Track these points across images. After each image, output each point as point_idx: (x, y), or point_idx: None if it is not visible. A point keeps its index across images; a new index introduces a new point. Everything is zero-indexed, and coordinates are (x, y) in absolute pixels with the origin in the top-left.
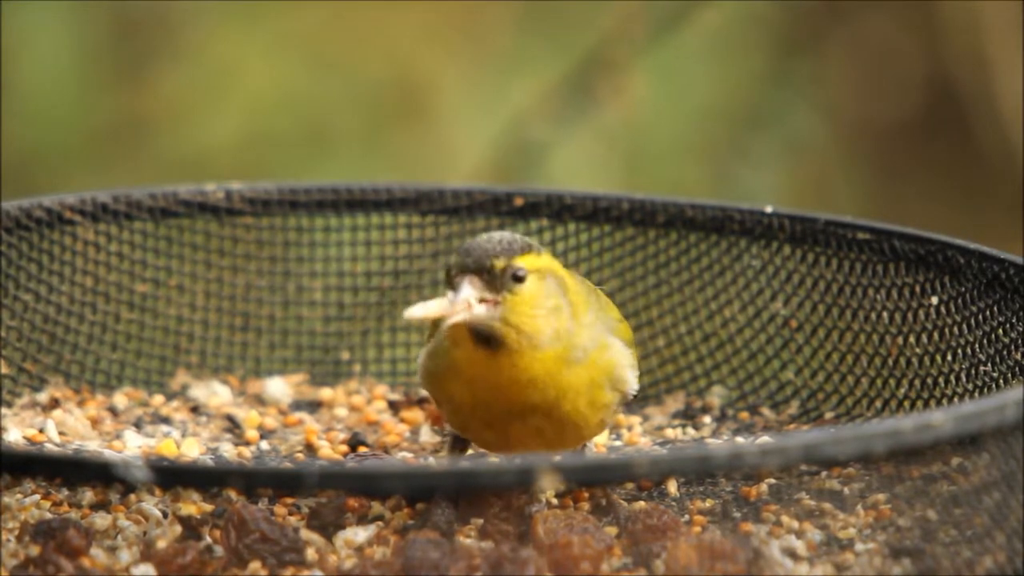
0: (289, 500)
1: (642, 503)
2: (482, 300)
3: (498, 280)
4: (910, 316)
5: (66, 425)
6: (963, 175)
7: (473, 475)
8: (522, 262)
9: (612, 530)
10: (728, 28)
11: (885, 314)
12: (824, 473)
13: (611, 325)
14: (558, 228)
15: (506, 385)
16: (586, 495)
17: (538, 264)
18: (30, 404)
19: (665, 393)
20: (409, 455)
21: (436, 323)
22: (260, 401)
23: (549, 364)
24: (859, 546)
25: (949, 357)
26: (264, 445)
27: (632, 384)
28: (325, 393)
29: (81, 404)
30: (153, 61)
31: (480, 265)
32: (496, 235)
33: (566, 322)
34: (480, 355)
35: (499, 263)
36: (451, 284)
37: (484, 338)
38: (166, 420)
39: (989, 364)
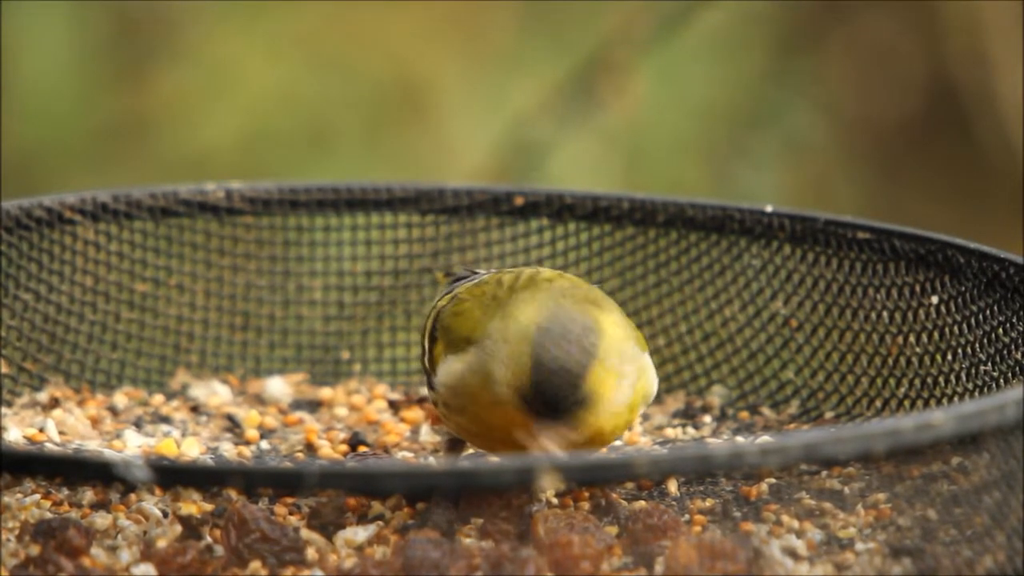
0: (289, 500)
1: (642, 503)
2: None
3: (565, 410)
4: (910, 315)
5: (66, 424)
6: (963, 175)
7: (473, 475)
8: (587, 388)
9: (612, 529)
10: (728, 28)
11: (885, 313)
12: (824, 472)
13: (638, 340)
14: (558, 228)
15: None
16: (586, 495)
17: (603, 370)
18: (30, 403)
19: (665, 393)
20: (409, 455)
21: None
22: (260, 400)
23: (610, 415)
24: (859, 545)
25: (949, 356)
26: (264, 445)
27: (654, 392)
28: (325, 392)
29: (81, 403)
30: (153, 61)
31: (557, 410)
32: (558, 357)
33: (626, 380)
34: (522, 417)
35: (571, 403)
36: (530, 430)
37: None
38: (166, 420)
39: (989, 363)
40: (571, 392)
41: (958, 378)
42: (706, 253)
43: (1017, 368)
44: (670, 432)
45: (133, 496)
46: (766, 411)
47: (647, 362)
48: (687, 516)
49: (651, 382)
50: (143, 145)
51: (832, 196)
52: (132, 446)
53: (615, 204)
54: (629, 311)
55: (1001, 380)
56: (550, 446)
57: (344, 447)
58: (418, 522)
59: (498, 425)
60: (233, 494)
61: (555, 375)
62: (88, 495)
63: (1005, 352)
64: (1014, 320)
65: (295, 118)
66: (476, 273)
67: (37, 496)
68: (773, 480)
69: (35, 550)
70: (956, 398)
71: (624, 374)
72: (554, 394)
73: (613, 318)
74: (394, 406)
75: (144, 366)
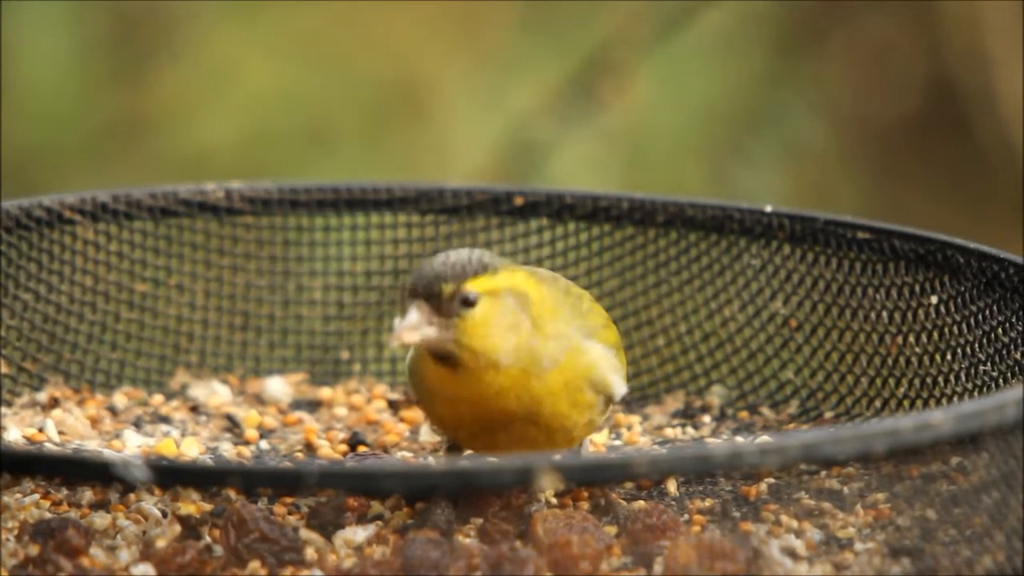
0: (288, 499)
1: (641, 502)
2: (431, 324)
3: (446, 305)
4: (910, 315)
5: (66, 424)
6: (963, 174)
7: (473, 475)
8: (472, 286)
9: (611, 529)
10: (728, 28)
11: (885, 313)
12: (824, 472)
13: (590, 330)
14: (558, 227)
15: (476, 400)
16: (585, 494)
17: (491, 285)
18: (30, 403)
19: (665, 392)
20: (409, 454)
21: None
22: (260, 400)
23: (513, 377)
24: (858, 545)
25: (949, 356)
26: (264, 444)
27: (616, 386)
28: (325, 392)
29: (81, 403)
30: (153, 60)
31: (428, 290)
32: (452, 255)
33: (526, 337)
34: (445, 373)
35: (448, 288)
36: (403, 308)
37: (443, 358)
38: (166, 419)
39: (989, 363)
40: (447, 275)
41: (957, 378)
42: (706, 253)
43: (1016, 368)
44: (669, 432)
45: (132, 496)
46: (765, 411)
47: (596, 351)
48: (686, 516)
49: (597, 367)
50: (143, 145)
51: (832, 196)
52: (131, 446)
53: (615, 204)
54: (629, 311)
55: (1000, 380)
56: (411, 332)
57: (344, 447)
58: (417, 522)
59: (446, 398)
60: (232, 494)
61: (432, 261)
62: (87, 495)
63: (1004, 352)
64: (1013, 320)
65: (295, 118)
66: None
67: (36, 496)
68: (772, 480)
69: (34, 550)
70: (955, 398)
71: (521, 324)
72: (428, 272)
73: (545, 289)
74: (393, 406)
75: (144, 366)
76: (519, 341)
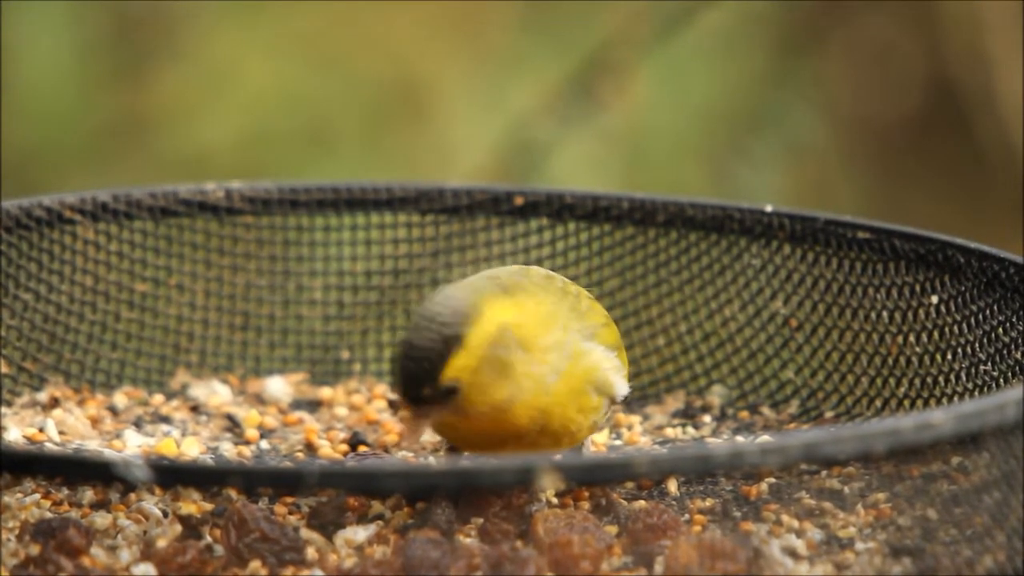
0: (289, 499)
1: (642, 502)
2: (427, 416)
3: (435, 398)
4: (910, 315)
5: (66, 424)
6: (963, 174)
7: (473, 474)
8: (448, 375)
9: (612, 529)
10: (729, 28)
11: (885, 313)
12: (824, 472)
13: (591, 331)
14: (558, 227)
15: (488, 429)
16: (586, 494)
17: (467, 360)
18: (30, 403)
19: (665, 392)
20: (409, 454)
21: None
22: (260, 400)
23: (523, 405)
24: (859, 545)
25: (949, 356)
26: (264, 444)
27: (618, 387)
28: (325, 392)
29: (81, 403)
30: (153, 60)
31: (414, 397)
32: (417, 343)
33: (522, 368)
34: (454, 418)
35: (427, 391)
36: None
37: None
38: (166, 419)
39: (989, 363)
40: (423, 378)
41: (958, 378)
42: (706, 253)
43: (1017, 368)
44: (670, 432)
45: (133, 496)
46: (766, 411)
47: (597, 352)
48: (687, 516)
49: (600, 369)
50: (143, 145)
51: (832, 196)
52: (132, 446)
53: (615, 204)
54: (629, 311)
55: (1001, 380)
56: (413, 435)
57: (344, 447)
58: (418, 522)
59: (455, 428)
60: (233, 494)
61: (405, 361)
62: (88, 495)
63: (1005, 352)
64: (1014, 320)
65: (295, 118)
66: None
67: (37, 496)
68: (773, 480)
69: (35, 550)
70: (956, 398)
71: (513, 362)
72: (405, 379)
73: (520, 306)
74: (394, 406)
75: (144, 366)
76: (515, 378)
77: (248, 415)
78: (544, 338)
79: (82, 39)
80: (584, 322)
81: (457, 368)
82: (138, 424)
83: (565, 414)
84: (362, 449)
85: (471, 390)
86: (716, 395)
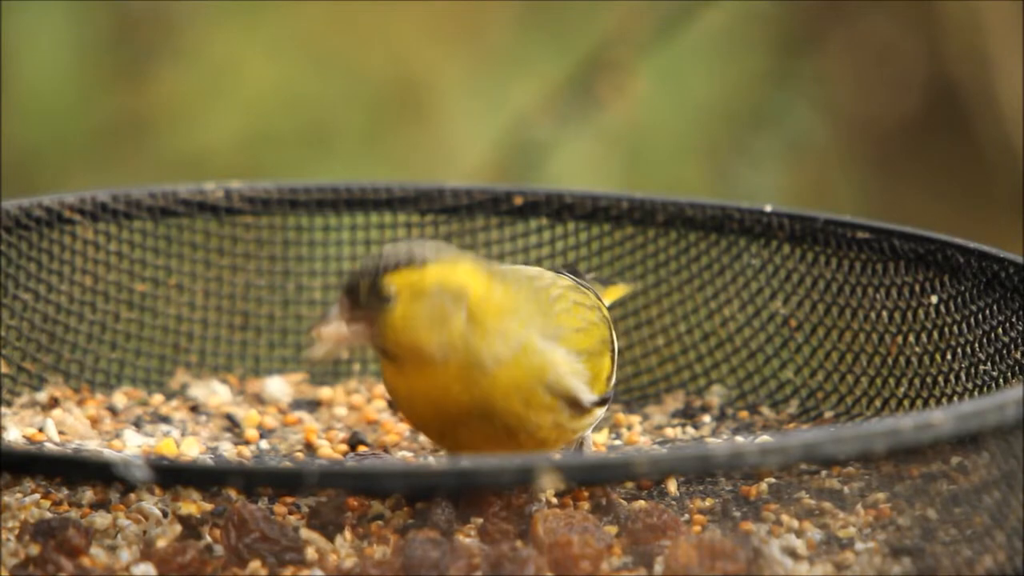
0: (289, 499)
1: (642, 502)
2: (351, 320)
3: (365, 300)
4: (910, 315)
5: (65, 424)
6: (963, 174)
7: (473, 474)
8: (391, 280)
9: (612, 529)
10: (729, 28)
11: (885, 313)
12: (824, 472)
13: (556, 332)
14: (557, 227)
15: (428, 393)
16: (586, 494)
17: (413, 279)
18: (29, 403)
19: (664, 392)
20: (409, 454)
21: None
22: (260, 400)
23: (454, 373)
24: (859, 545)
25: (949, 356)
26: (264, 444)
27: (579, 391)
28: (324, 392)
29: (80, 403)
30: (153, 61)
31: (349, 286)
32: (387, 248)
33: (458, 332)
34: (393, 369)
35: (364, 283)
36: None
37: (384, 354)
38: (166, 419)
39: (989, 363)
40: (367, 274)
41: (958, 378)
42: (705, 253)
43: (1016, 367)
44: (669, 432)
45: (133, 496)
46: (765, 411)
47: (553, 353)
48: (687, 516)
49: (551, 369)
50: (143, 145)
51: (832, 196)
52: (132, 446)
53: (614, 204)
54: (628, 311)
55: (1001, 380)
56: (328, 342)
57: (343, 447)
58: (418, 521)
59: (404, 395)
60: (233, 494)
61: (363, 260)
62: (88, 495)
63: (1004, 351)
64: (1013, 320)
65: (295, 118)
66: None
67: (37, 496)
68: (773, 480)
69: (35, 550)
70: (956, 398)
71: (450, 319)
72: (352, 274)
73: (489, 287)
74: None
75: (143, 366)
76: (450, 337)
77: (248, 415)
78: (493, 321)
79: (82, 39)
80: (550, 321)
81: (402, 282)
82: (138, 424)
83: (508, 404)
84: (361, 449)
85: (403, 318)
86: (715, 395)
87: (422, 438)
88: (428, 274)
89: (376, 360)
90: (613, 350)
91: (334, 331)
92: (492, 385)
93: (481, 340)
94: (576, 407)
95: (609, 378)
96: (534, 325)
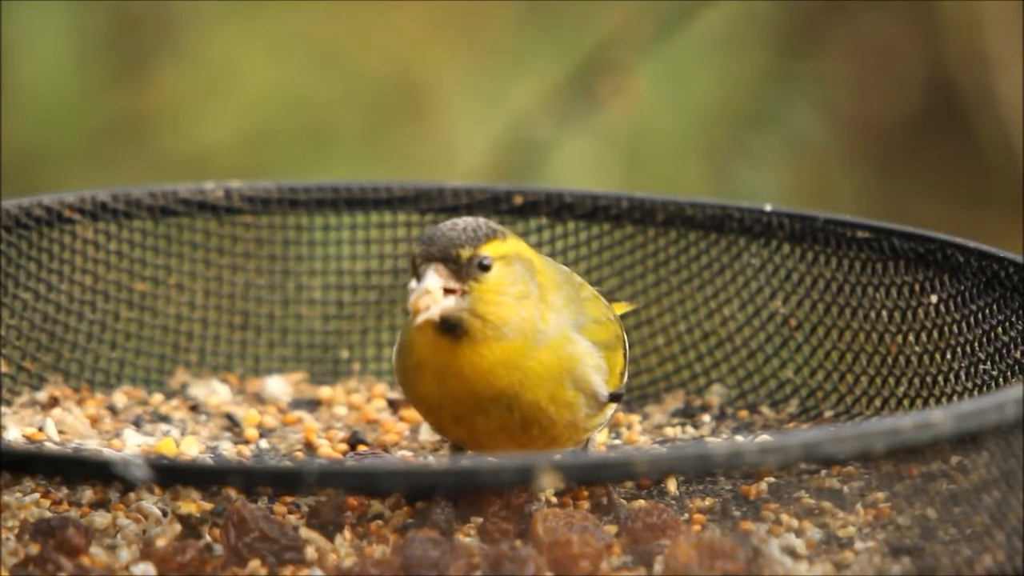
0: (289, 499)
1: (642, 501)
2: (447, 290)
3: (464, 269)
4: (909, 314)
5: (65, 423)
6: (963, 174)
7: (473, 474)
8: (488, 250)
9: (612, 528)
10: (729, 27)
11: (884, 312)
12: (824, 471)
13: (581, 321)
14: (557, 227)
15: (468, 372)
16: (586, 493)
17: (503, 250)
18: (29, 402)
19: (664, 391)
20: (408, 454)
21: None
22: (259, 400)
23: (511, 351)
24: (859, 544)
25: (948, 355)
26: (263, 444)
27: (597, 386)
28: (324, 391)
29: (80, 403)
30: (152, 60)
31: (445, 254)
32: (460, 222)
33: (533, 308)
34: (443, 343)
35: (465, 252)
36: (416, 273)
37: (449, 327)
38: (165, 419)
39: (988, 362)
40: (466, 240)
41: (957, 377)
42: (705, 252)
43: (1016, 367)
44: (669, 431)
45: (132, 495)
46: (765, 410)
47: (581, 345)
48: (686, 515)
49: (581, 362)
50: (143, 144)
51: (832, 195)
52: (131, 445)
53: (614, 203)
54: (628, 310)
55: (1000, 379)
56: (430, 298)
57: (343, 446)
58: (417, 521)
59: (435, 372)
60: (232, 493)
61: (444, 229)
62: (87, 494)
63: (1004, 351)
64: (1013, 319)
65: (295, 118)
66: None
67: (36, 495)
68: (772, 479)
69: (35, 549)
70: (955, 397)
71: (530, 293)
72: (444, 242)
73: (546, 263)
74: (393, 405)
75: (143, 365)
76: (527, 312)
77: (247, 414)
78: (552, 295)
79: (82, 39)
80: (579, 308)
81: (496, 252)
82: (137, 423)
83: (537, 395)
84: (361, 448)
85: (498, 288)
86: (715, 394)
87: (422, 437)
88: (510, 245)
89: (376, 359)
90: (625, 346)
91: (436, 307)
92: (530, 367)
93: (544, 315)
94: (593, 404)
95: (622, 374)
96: (570, 310)
